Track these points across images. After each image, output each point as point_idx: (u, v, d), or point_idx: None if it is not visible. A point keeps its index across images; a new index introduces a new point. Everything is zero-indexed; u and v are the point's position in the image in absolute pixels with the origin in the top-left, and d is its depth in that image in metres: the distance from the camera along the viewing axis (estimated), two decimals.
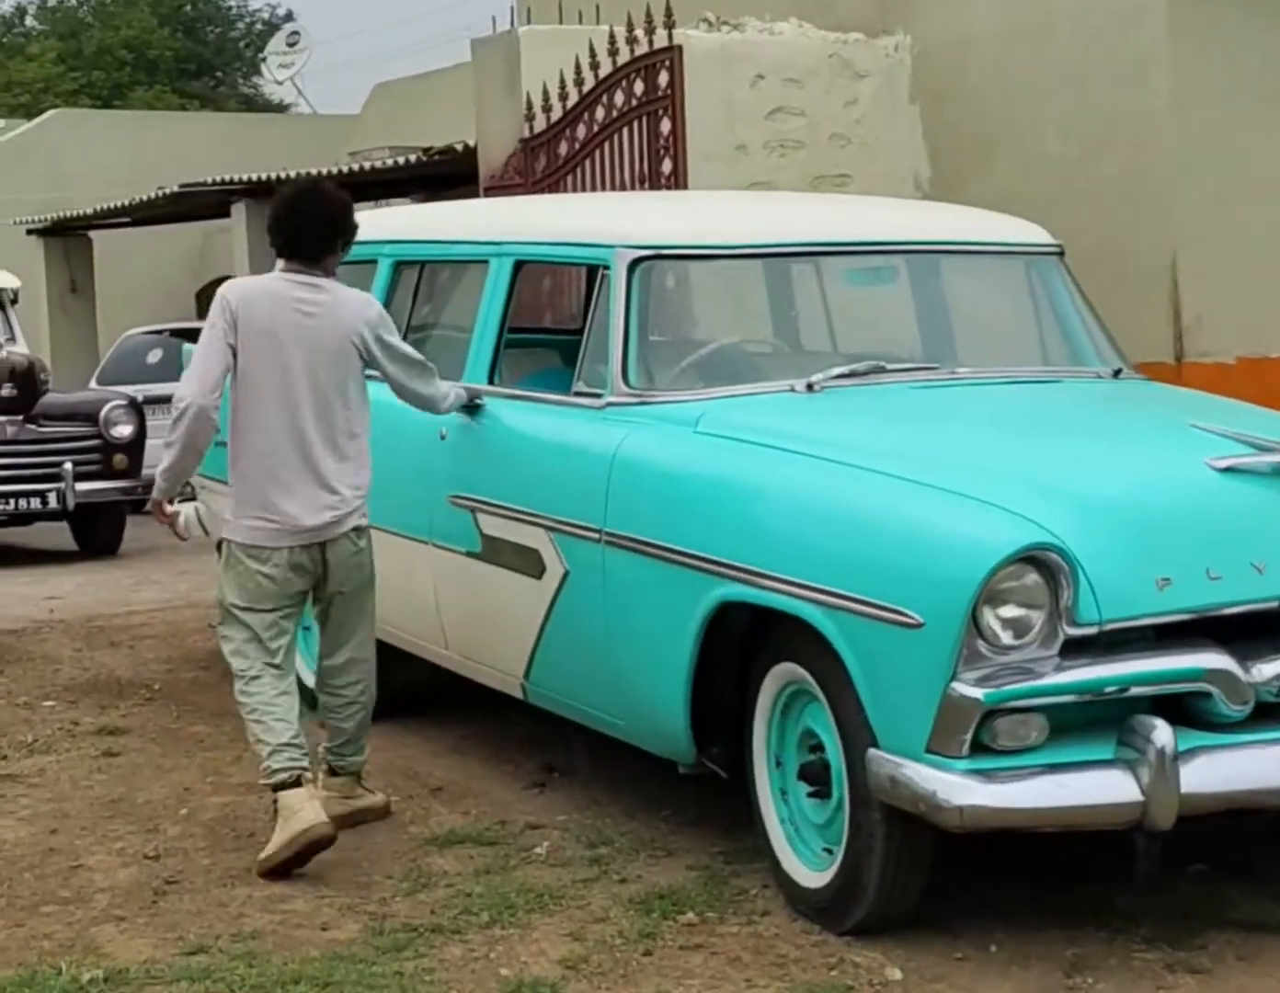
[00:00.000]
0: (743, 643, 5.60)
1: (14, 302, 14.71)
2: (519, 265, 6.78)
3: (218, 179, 15.45)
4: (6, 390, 13.06)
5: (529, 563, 6.17)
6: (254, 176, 15.54)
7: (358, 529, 6.01)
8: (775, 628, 5.39)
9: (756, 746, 5.57)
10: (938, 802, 4.74)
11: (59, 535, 13.79)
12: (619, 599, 5.85)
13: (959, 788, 4.73)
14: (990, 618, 4.76)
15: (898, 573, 4.92)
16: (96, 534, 13.61)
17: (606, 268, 6.24)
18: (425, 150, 13.35)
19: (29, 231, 19.79)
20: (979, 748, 4.74)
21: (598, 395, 6.11)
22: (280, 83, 25.49)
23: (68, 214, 19.30)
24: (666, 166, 10.14)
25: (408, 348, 6.27)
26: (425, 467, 6.78)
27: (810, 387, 5.99)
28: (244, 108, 40.76)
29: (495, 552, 6.38)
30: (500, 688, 6.70)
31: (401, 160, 13.81)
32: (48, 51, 40.61)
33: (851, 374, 6.09)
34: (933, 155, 10.65)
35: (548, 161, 10.86)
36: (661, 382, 6.16)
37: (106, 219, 18.88)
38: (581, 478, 5.97)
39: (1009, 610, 4.78)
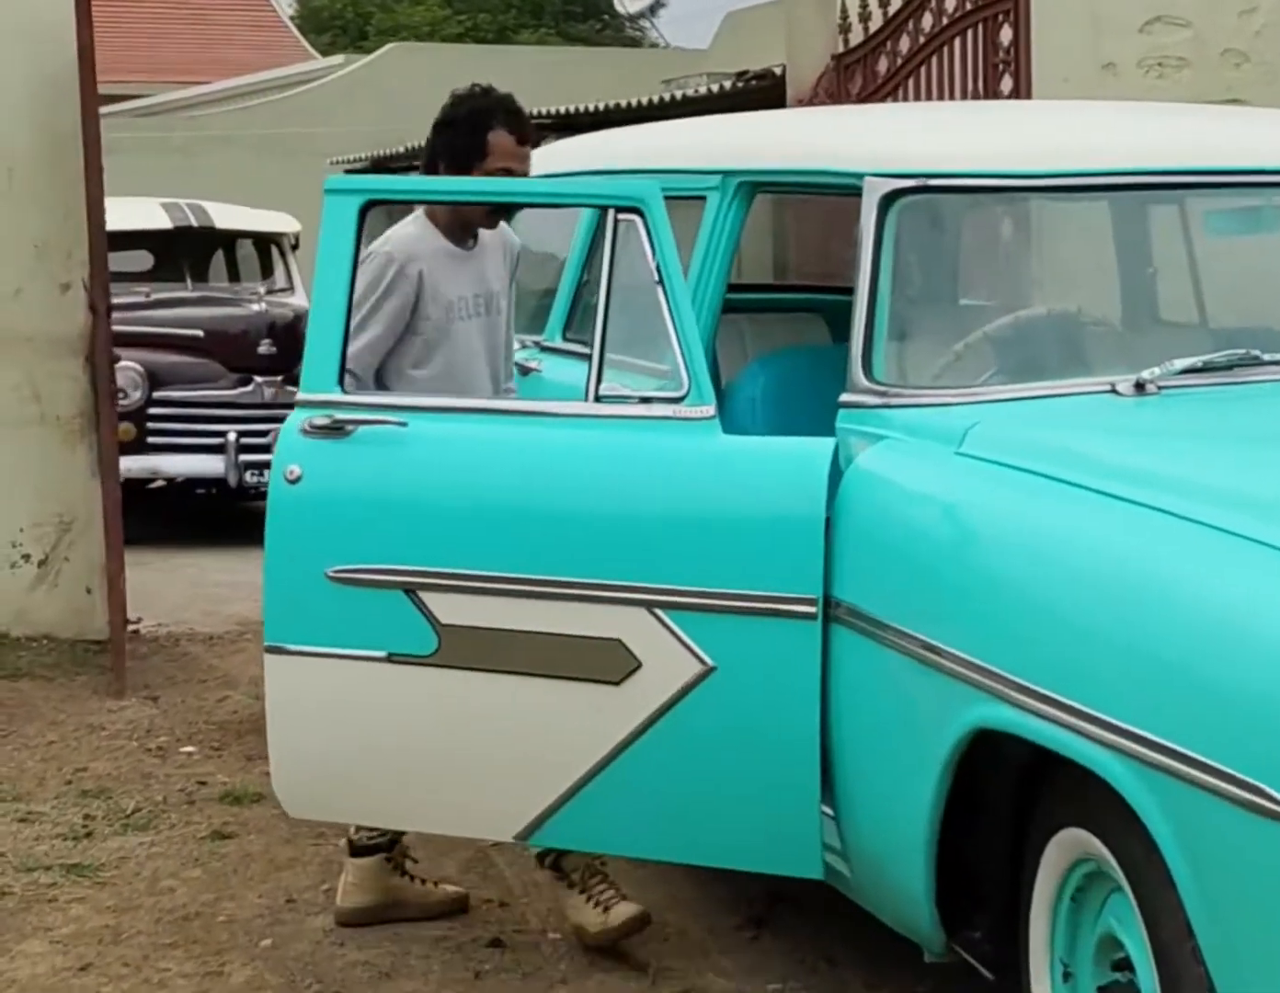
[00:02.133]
0: (1017, 788, 3.64)
1: (295, 248, 13.27)
2: (741, 200, 4.85)
3: (530, 112, 13.79)
4: (265, 347, 11.55)
5: (585, 662, 4.18)
6: (564, 109, 13.86)
7: None
8: (1061, 774, 3.41)
9: (1034, 944, 3.61)
10: None
11: None
12: (810, 702, 3.98)
13: None
14: None
15: (1268, 727, 2.90)
16: None
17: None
18: (739, 75, 11.47)
19: (346, 171, 18.47)
20: None
21: None
22: (630, 18, 23.80)
23: (385, 152, 17.91)
24: (1007, 85, 8.12)
25: None
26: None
27: (1141, 386, 3.97)
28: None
29: (476, 650, 4.30)
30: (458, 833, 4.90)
31: (715, 87, 11.95)
32: None
33: (1206, 368, 4.03)
34: None
35: (864, 81, 8.95)
36: (920, 374, 4.21)
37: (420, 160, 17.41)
38: (764, 520, 4.03)
39: None
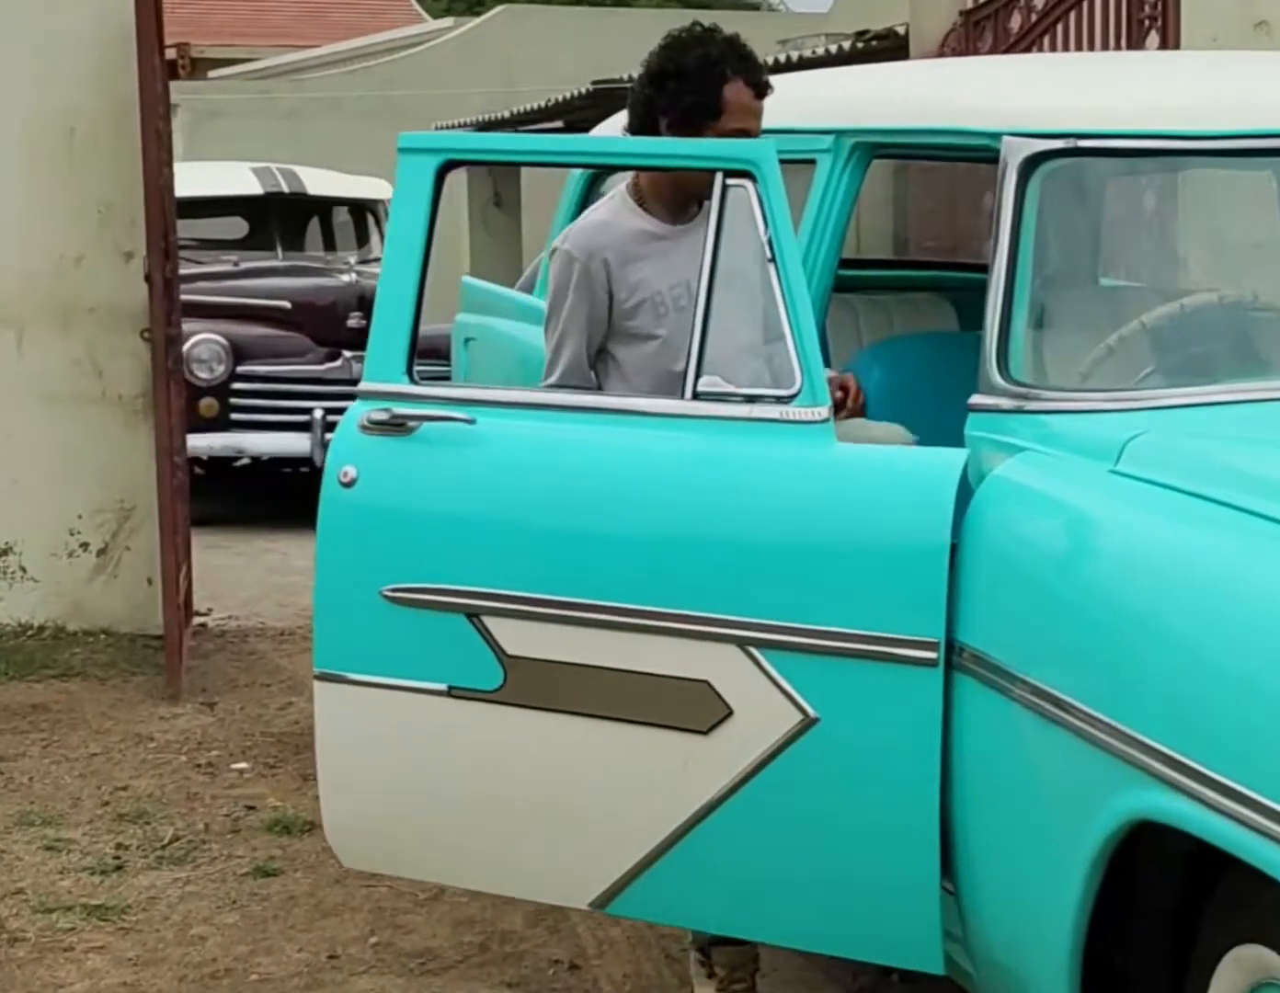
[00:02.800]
0: (1184, 888, 2.97)
1: (389, 215, 12.68)
2: (856, 164, 4.19)
3: (631, 75, 13.12)
4: (354, 320, 10.93)
5: (669, 706, 3.56)
6: None
7: None
8: (1242, 876, 2.74)
9: None
10: None
11: None
12: (928, 764, 3.31)
13: None
14: None
15: None
16: None
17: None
18: (859, 35, 10.74)
19: None
20: None
21: None
22: None
23: (495, 117, 17.28)
24: (1152, 42, 7.38)
25: None
26: None
27: None
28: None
29: (547, 687, 3.71)
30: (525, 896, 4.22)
31: (834, 48, 11.23)
32: None
33: None
34: None
35: (994, 39, 8.24)
36: (1067, 372, 3.54)
37: (528, 122, 16.77)
38: (878, 546, 3.38)
39: None
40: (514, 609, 3.67)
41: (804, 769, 3.42)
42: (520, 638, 3.68)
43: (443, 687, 3.75)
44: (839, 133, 4.21)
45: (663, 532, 3.59)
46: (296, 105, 21.35)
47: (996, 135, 3.62)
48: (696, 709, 3.49)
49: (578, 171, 5.32)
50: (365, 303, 11.00)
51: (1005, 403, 3.43)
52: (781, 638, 3.40)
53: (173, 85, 22.56)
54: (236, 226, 12.46)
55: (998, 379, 3.45)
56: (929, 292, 5.29)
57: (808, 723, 3.38)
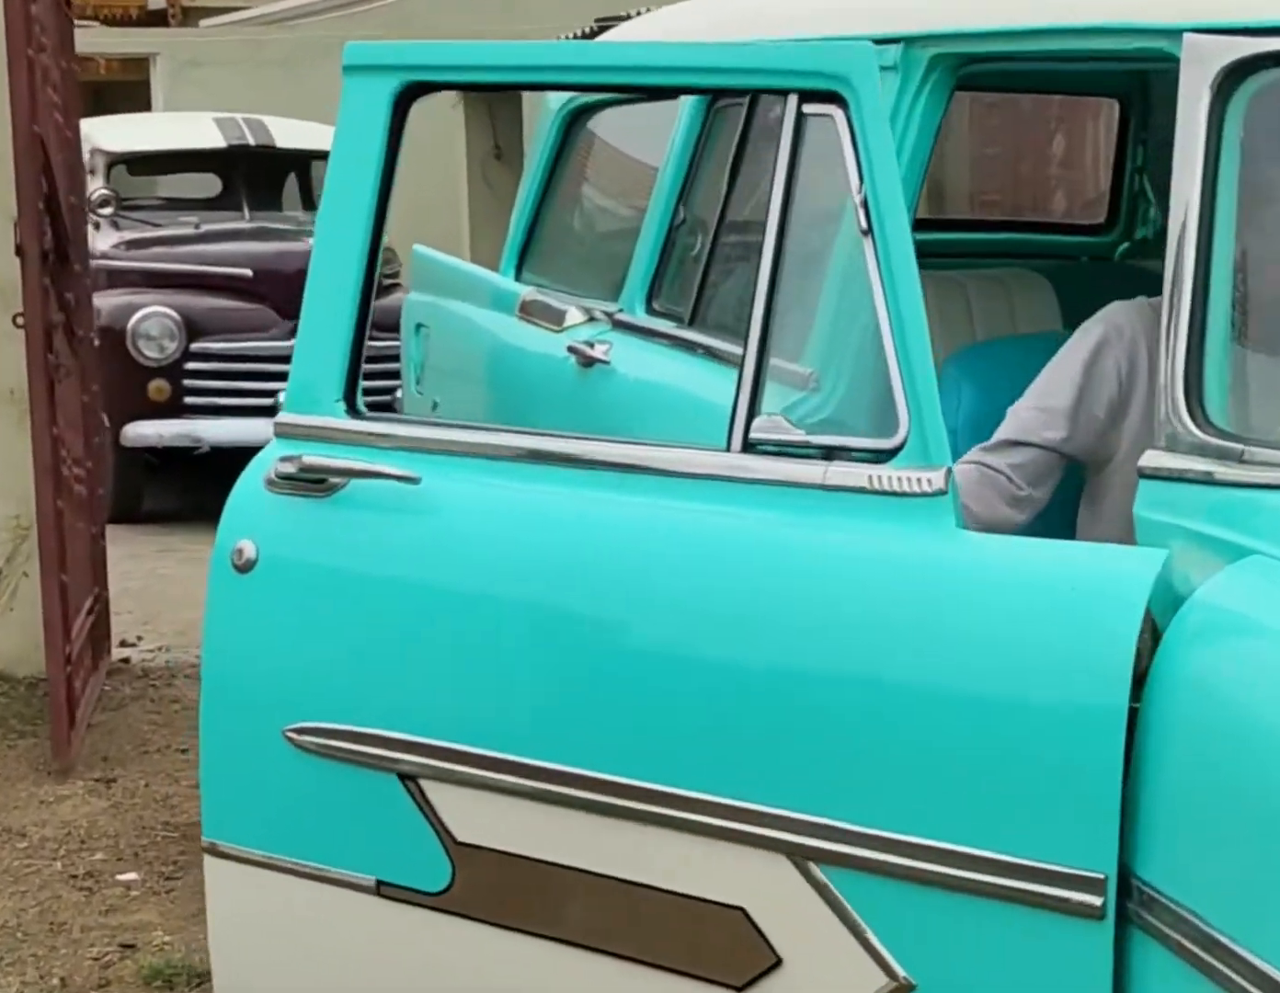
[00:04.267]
0: None
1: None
2: (938, 85, 2.84)
3: (640, 11, 11.81)
4: None
5: (685, 942, 2.31)
6: None
7: None
8: None
9: None
10: None
11: None
12: None
13: None
14: None
15: None
16: None
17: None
18: None
19: None
20: None
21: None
22: None
23: None
24: None
25: None
26: None
27: None
28: None
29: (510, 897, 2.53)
30: None
31: None
32: None
33: None
34: None
35: None
36: None
37: None
38: (1009, 708, 2.07)
39: None
40: (466, 774, 2.47)
41: None
42: (475, 819, 2.49)
43: (369, 880, 2.57)
44: (910, 40, 2.86)
45: (682, 669, 2.33)
46: (291, 52, 20.00)
47: (1172, 33, 2.28)
48: (724, 951, 2.25)
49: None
50: None
51: (1202, 467, 2.10)
52: (857, 853, 2.13)
53: (152, 33, 21.24)
54: (209, 185, 11.10)
55: (1188, 427, 2.11)
56: (1013, 263, 3.97)
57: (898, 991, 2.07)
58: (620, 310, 3.78)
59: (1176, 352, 2.12)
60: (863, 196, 2.23)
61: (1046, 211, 6.52)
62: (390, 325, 9.79)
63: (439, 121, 16.12)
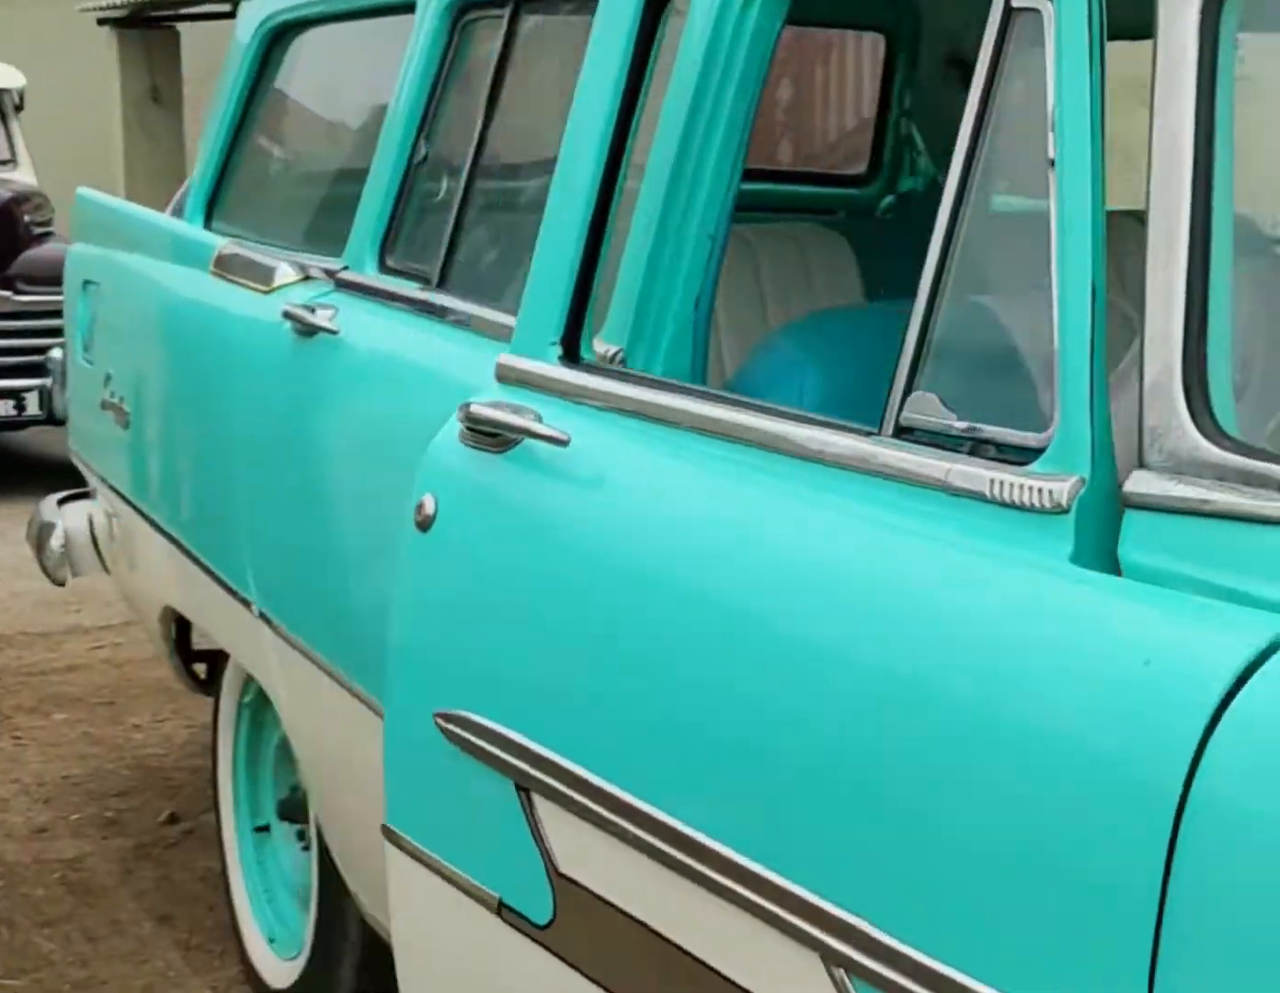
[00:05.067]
0: None
1: (18, 108, 10.37)
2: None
3: None
4: None
5: None
6: None
7: None
8: None
9: None
10: None
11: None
12: None
13: None
14: None
15: None
16: None
17: None
18: None
19: (100, 21, 15.37)
20: None
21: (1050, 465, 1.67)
22: None
23: None
24: None
25: None
26: None
27: None
28: None
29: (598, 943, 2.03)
30: None
31: None
32: None
33: None
34: None
35: None
36: None
37: (197, 7, 14.49)
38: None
39: None
40: (572, 798, 2.06)
41: None
42: (580, 848, 2.07)
43: (493, 898, 2.23)
44: None
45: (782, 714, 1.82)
46: None
47: None
48: None
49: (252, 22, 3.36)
50: None
51: (1218, 497, 1.56)
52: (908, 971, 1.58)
53: None
54: None
55: (1193, 436, 1.58)
56: (802, 218, 3.46)
57: None
58: (345, 268, 3.14)
59: (1171, 337, 1.58)
60: (1053, 123, 1.67)
61: (773, 163, 6.01)
62: (42, 279, 9.03)
63: (90, 62, 15.11)
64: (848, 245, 3.25)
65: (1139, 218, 1.68)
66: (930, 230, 1.81)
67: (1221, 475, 1.55)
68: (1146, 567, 1.58)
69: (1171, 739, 1.40)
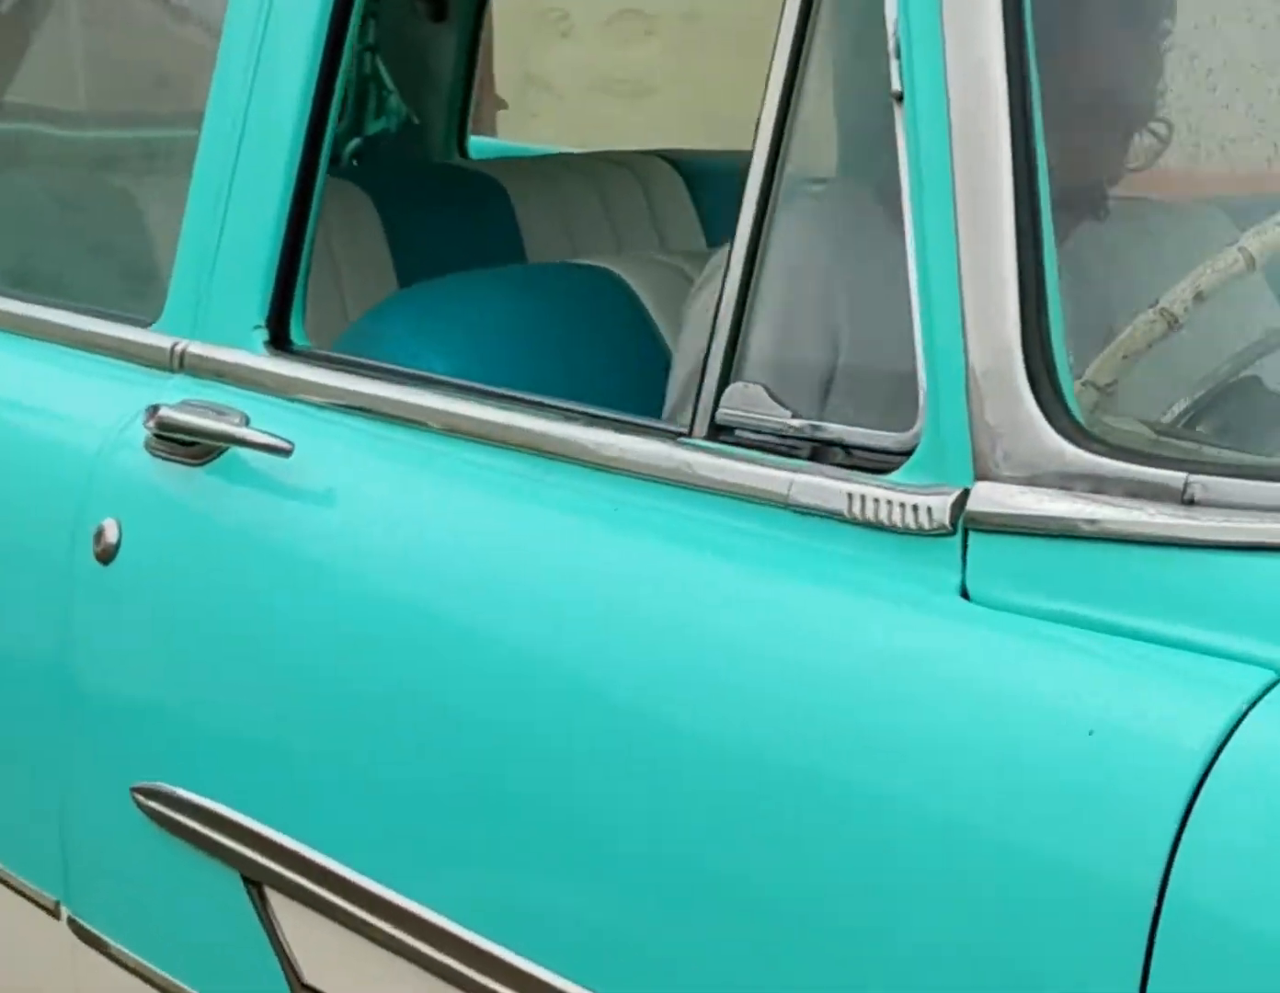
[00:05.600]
0: None
1: None
2: None
3: None
4: None
5: None
6: None
7: None
8: None
9: None
10: None
11: None
12: None
13: None
14: None
15: None
16: None
17: None
18: None
19: None
20: None
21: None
22: None
23: None
24: None
25: None
26: None
27: None
28: None
29: None
30: None
31: None
32: None
33: None
34: None
35: None
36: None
37: None
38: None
39: None
40: (313, 886, 1.71)
41: None
42: (320, 953, 1.73)
43: None
44: None
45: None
46: None
47: None
48: None
49: None
50: None
51: (1095, 518, 1.27)
52: None
53: None
54: None
55: (1053, 442, 1.29)
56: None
57: None
58: None
59: (1006, 308, 1.29)
60: (896, 35, 1.35)
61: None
62: None
63: None
64: (680, 177, 2.93)
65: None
66: None
67: (1097, 487, 1.26)
68: (1002, 603, 1.29)
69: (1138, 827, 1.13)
